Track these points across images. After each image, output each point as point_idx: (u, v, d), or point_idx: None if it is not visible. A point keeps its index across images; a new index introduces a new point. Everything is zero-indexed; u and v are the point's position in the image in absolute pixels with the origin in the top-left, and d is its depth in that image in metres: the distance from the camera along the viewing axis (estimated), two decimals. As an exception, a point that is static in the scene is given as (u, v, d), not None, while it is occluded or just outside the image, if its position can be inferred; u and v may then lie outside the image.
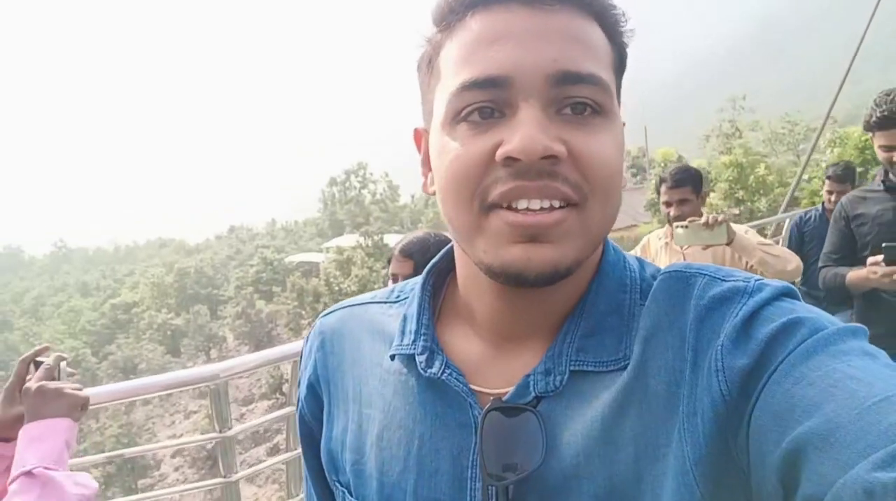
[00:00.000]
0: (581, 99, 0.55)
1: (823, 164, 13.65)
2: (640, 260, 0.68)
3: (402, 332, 0.69)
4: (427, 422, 0.64)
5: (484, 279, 0.61)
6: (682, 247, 2.96)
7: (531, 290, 0.59)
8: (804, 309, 0.55)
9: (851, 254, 2.69)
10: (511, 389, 0.61)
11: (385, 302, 0.76)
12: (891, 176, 2.55)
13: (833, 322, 0.54)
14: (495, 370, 0.64)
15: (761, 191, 19.23)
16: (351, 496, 0.69)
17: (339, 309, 0.80)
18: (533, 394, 0.60)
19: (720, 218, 2.73)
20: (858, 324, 0.54)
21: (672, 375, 0.56)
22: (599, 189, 0.56)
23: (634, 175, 40.35)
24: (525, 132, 0.53)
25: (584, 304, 0.63)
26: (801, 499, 0.46)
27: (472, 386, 0.63)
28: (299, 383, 0.79)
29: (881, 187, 2.60)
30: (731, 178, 19.47)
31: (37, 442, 1.21)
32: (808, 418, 0.46)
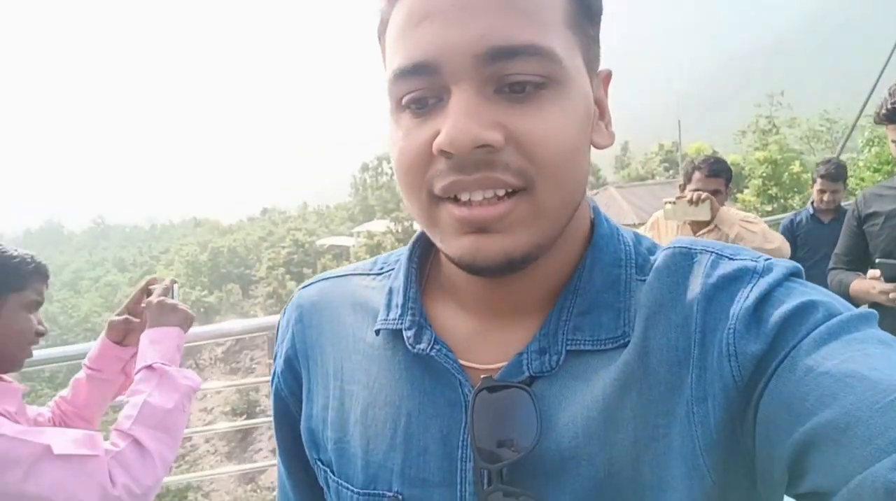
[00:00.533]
0: (519, 77, 0.51)
1: (861, 163, 13.47)
2: (635, 234, 0.66)
3: (388, 306, 0.66)
4: (415, 399, 0.62)
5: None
6: (679, 224, 3.15)
7: (500, 277, 0.56)
8: (816, 292, 0.54)
9: (862, 257, 2.59)
10: (503, 366, 0.59)
11: (368, 274, 0.73)
12: None
13: (846, 306, 0.52)
14: (486, 345, 0.62)
15: (795, 189, 19.09)
16: (333, 474, 0.66)
17: (319, 280, 0.77)
18: (527, 373, 0.58)
19: (703, 195, 2.92)
20: (870, 310, 0.52)
21: (676, 355, 0.55)
22: (549, 169, 0.52)
23: (667, 169, 40.04)
24: (453, 122, 0.50)
25: (579, 280, 0.60)
26: (810, 490, 0.45)
27: (462, 362, 0.61)
28: (275, 357, 0.76)
29: None
30: (764, 175, 19.37)
31: (156, 344, 1.54)
32: (824, 408, 0.45)
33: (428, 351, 0.61)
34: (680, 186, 3.23)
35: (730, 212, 3.01)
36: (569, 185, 0.54)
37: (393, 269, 0.71)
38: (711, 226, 3.03)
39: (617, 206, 25.60)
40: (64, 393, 1.69)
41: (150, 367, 1.47)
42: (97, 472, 1.23)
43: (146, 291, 1.73)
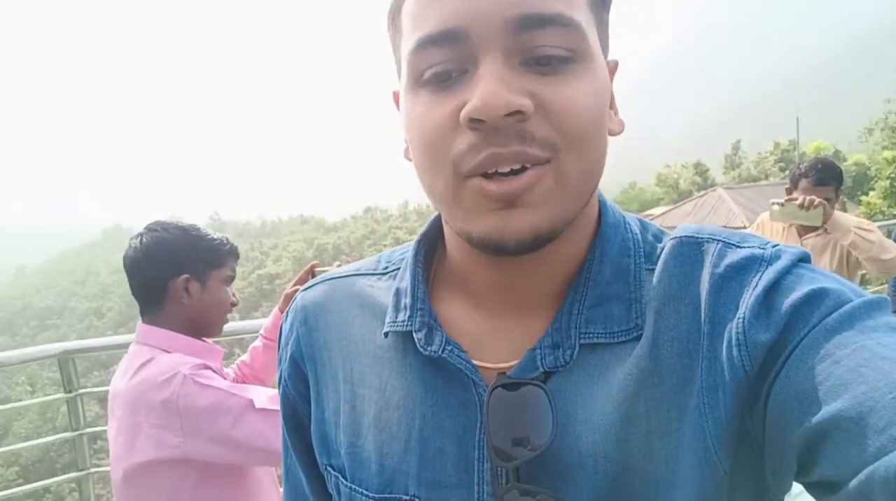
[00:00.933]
0: (547, 48, 0.51)
1: None
2: (640, 221, 0.65)
3: (396, 307, 0.65)
4: (428, 401, 0.61)
5: (469, 245, 0.58)
6: (784, 228, 3.05)
7: (521, 257, 0.56)
8: (825, 278, 0.53)
9: None
10: (516, 363, 0.58)
11: (373, 274, 0.72)
12: None
13: (857, 292, 0.52)
14: (497, 343, 0.61)
15: (929, 191, 17.56)
16: (346, 480, 0.65)
17: (322, 282, 0.75)
18: (541, 369, 0.57)
19: (816, 201, 2.79)
20: (882, 296, 0.52)
21: (686, 346, 0.55)
22: (574, 140, 0.52)
23: (783, 170, 37.81)
24: (485, 89, 0.49)
25: (589, 272, 0.59)
26: (820, 479, 0.46)
27: (475, 362, 0.60)
28: (280, 361, 0.75)
29: None
30: (893, 176, 17.95)
31: None
32: (836, 398, 0.44)
33: (440, 352, 0.60)
34: (787, 189, 3.11)
35: (844, 217, 2.88)
36: (591, 158, 0.54)
37: (398, 268, 0.70)
38: (820, 231, 2.95)
39: (726, 208, 24.53)
40: (244, 357, 1.94)
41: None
42: None
43: (311, 271, 1.93)
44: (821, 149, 20.72)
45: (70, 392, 2.58)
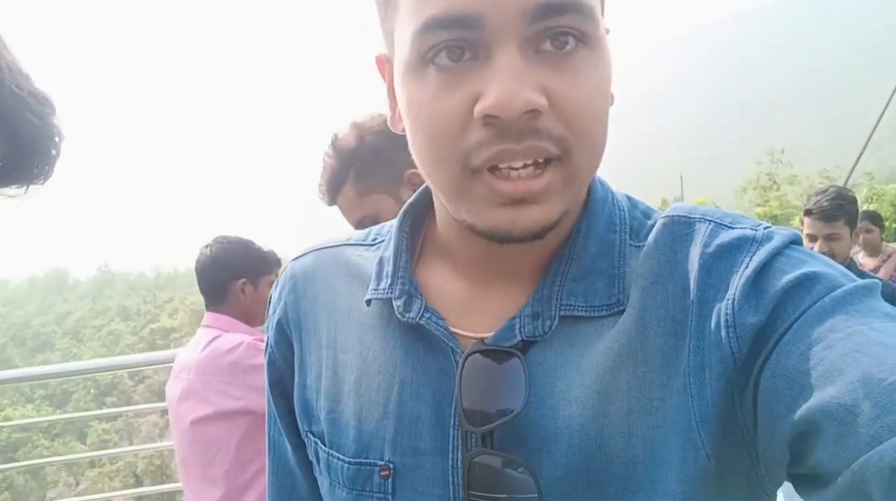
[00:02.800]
0: (563, 29, 0.50)
1: (859, 220, 13.63)
2: (629, 198, 0.65)
3: (379, 276, 0.65)
4: (408, 367, 0.61)
5: (467, 232, 0.57)
6: None
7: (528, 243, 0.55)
8: (817, 261, 0.52)
9: None
10: (494, 332, 0.59)
11: (361, 245, 0.72)
12: None
13: (848, 277, 0.51)
14: (478, 312, 0.61)
15: (797, 245, 19.18)
16: (324, 445, 0.65)
17: (312, 251, 0.75)
18: (519, 338, 0.57)
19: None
20: (874, 281, 0.51)
21: (673, 326, 0.54)
22: (585, 137, 0.52)
23: (670, 223, 40.21)
24: (502, 84, 0.48)
25: (574, 246, 0.59)
26: (813, 469, 0.44)
27: (454, 330, 0.60)
28: (267, 327, 0.76)
29: None
30: (766, 230, 19.47)
31: None
32: (829, 384, 0.43)
33: (417, 319, 0.60)
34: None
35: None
36: (598, 150, 0.54)
37: (384, 240, 0.70)
38: None
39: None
40: None
41: None
42: None
43: None
44: (702, 203, 22.27)
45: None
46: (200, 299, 2.17)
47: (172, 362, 2.11)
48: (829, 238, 2.61)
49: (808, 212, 2.68)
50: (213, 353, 1.91)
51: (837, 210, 2.61)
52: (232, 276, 2.10)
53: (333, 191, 1.42)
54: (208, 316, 2.12)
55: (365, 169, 1.38)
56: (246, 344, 1.90)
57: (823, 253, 2.38)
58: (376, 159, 1.37)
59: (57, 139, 0.61)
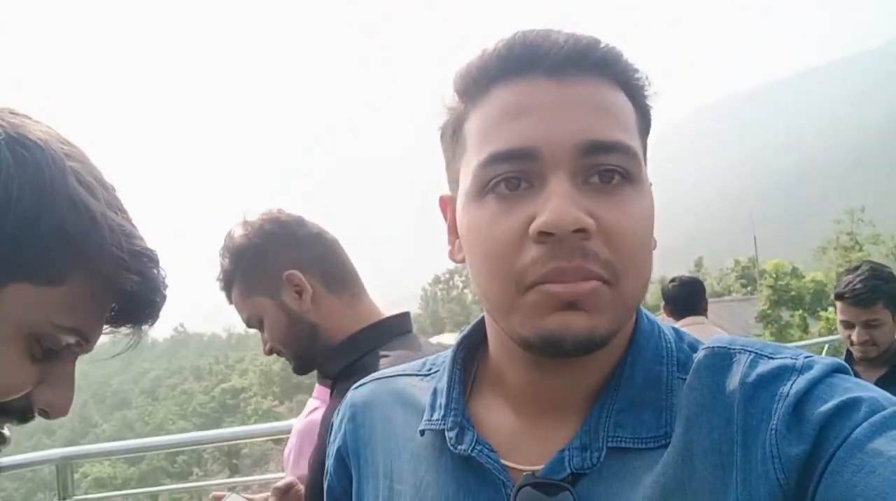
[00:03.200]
0: (610, 166, 0.55)
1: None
2: (675, 330, 0.66)
3: (433, 407, 0.67)
4: (460, 499, 0.62)
5: (517, 349, 0.60)
6: None
7: (566, 360, 0.58)
8: (858, 387, 0.52)
9: None
10: (545, 464, 0.59)
11: (417, 375, 0.75)
12: None
13: (891, 400, 0.51)
14: (529, 445, 0.62)
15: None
16: None
17: (371, 381, 0.79)
18: (568, 471, 0.57)
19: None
20: None
21: (720, 457, 0.54)
22: (630, 263, 0.55)
23: (744, 285, 38.91)
24: (556, 205, 0.52)
25: (621, 377, 0.60)
26: None
27: (506, 463, 0.61)
28: (327, 456, 0.78)
29: None
30: (850, 293, 18.49)
31: None
32: None
33: (469, 451, 0.61)
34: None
35: None
36: (644, 277, 0.57)
37: (439, 370, 0.72)
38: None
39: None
40: None
41: None
42: None
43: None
44: (780, 267, 21.46)
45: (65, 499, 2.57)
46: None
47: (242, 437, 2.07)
48: (868, 325, 2.29)
49: (839, 297, 2.37)
50: (310, 424, 1.88)
51: (874, 292, 2.27)
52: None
53: (227, 289, 1.43)
54: (317, 387, 2.19)
55: (249, 269, 1.38)
56: None
57: (864, 342, 2.31)
58: (259, 260, 1.37)
59: (161, 289, 0.65)
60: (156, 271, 0.64)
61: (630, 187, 0.56)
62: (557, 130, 0.54)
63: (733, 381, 0.57)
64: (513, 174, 0.55)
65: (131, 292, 0.62)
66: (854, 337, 2.31)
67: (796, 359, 0.56)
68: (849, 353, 2.41)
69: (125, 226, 0.61)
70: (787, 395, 0.53)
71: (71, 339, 0.61)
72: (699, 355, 0.61)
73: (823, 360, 0.56)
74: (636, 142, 0.58)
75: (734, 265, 45.44)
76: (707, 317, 3.49)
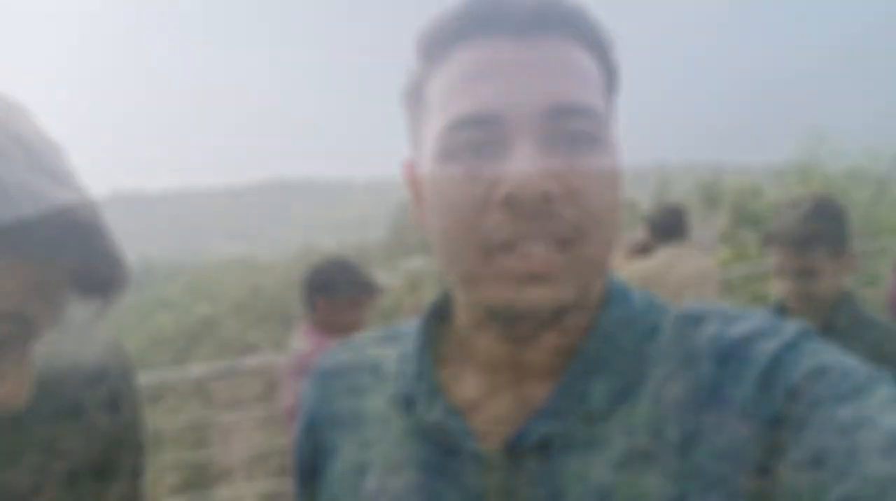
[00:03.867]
0: (575, 134, 0.55)
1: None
2: (645, 295, 0.66)
3: (401, 374, 0.67)
4: (430, 467, 0.62)
5: (484, 318, 0.60)
6: None
7: (534, 329, 0.58)
8: (829, 353, 0.53)
9: None
10: (515, 431, 0.59)
11: (386, 342, 0.75)
12: None
13: (860, 366, 0.52)
14: (499, 412, 0.62)
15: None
16: None
17: (339, 348, 0.78)
18: (538, 437, 0.58)
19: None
20: (884, 369, 0.52)
21: (689, 422, 0.55)
22: (596, 227, 0.55)
23: (705, 203, 39.14)
24: (520, 170, 0.52)
25: (589, 342, 0.60)
26: None
27: (475, 430, 0.61)
28: (298, 424, 0.78)
29: None
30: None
31: None
32: (845, 479, 0.45)
33: (438, 418, 0.62)
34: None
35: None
36: (609, 238, 0.57)
37: (408, 339, 0.72)
38: None
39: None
40: None
41: None
42: None
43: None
44: (741, 185, 21.44)
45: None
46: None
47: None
48: (803, 274, 1.80)
49: (770, 238, 1.89)
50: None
51: (813, 236, 1.79)
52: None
53: None
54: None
55: None
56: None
57: (800, 296, 1.80)
58: None
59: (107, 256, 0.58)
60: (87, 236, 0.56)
61: (596, 149, 0.56)
62: (521, 94, 0.54)
63: (703, 346, 0.57)
64: (476, 139, 0.55)
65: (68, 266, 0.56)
66: (787, 289, 1.84)
67: (766, 324, 0.57)
68: (782, 304, 1.89)
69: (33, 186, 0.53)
70: (758, 359, 0.54)
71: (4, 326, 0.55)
72: (670, 319, 0.61)
73: (794, 326, 0.57)
74: (602, 103, 0.58)
75: (695, 187, 45.55)
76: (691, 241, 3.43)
